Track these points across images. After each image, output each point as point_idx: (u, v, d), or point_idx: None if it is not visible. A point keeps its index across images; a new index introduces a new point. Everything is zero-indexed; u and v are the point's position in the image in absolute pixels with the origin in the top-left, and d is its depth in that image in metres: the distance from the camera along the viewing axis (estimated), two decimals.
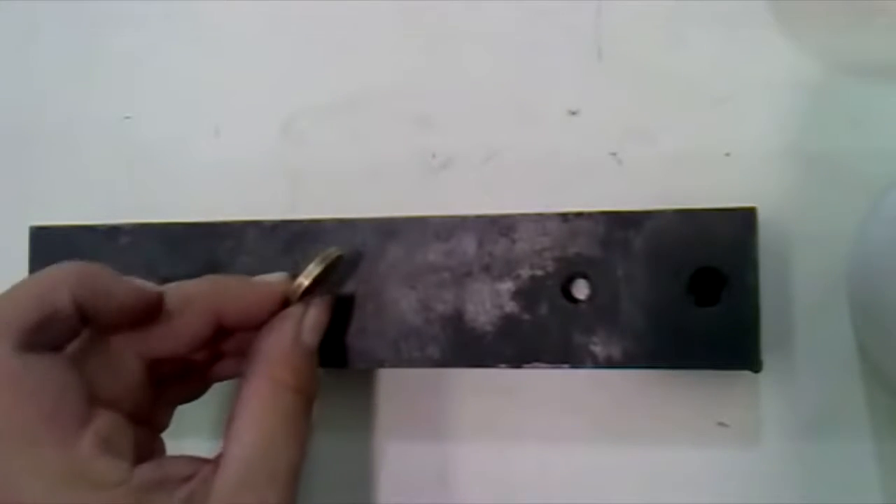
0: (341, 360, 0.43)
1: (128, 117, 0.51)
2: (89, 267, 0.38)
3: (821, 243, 0.42)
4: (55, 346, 0.37)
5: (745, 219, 0.39)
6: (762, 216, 0.39)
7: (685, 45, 0.44)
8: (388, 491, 0.45)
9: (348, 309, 0.43)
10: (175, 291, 0.40)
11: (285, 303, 0.41)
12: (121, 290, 0.38)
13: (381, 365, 0.43)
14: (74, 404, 0.36)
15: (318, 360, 0.41)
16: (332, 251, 0.42)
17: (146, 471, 0.36)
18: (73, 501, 0.34)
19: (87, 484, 0.35)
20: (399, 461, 0.45)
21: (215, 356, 0.42)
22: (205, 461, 0.38)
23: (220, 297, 0.40)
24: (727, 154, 0.43)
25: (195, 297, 0.40)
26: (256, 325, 0.41)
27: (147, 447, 0.39)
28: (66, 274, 0.37)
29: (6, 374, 0.35)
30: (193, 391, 0.43)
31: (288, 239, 0.44)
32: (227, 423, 0.39)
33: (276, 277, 0.42)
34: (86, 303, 0.37)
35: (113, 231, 0.46)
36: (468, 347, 0.42)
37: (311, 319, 0.41)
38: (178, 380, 0.42)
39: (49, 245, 0.47)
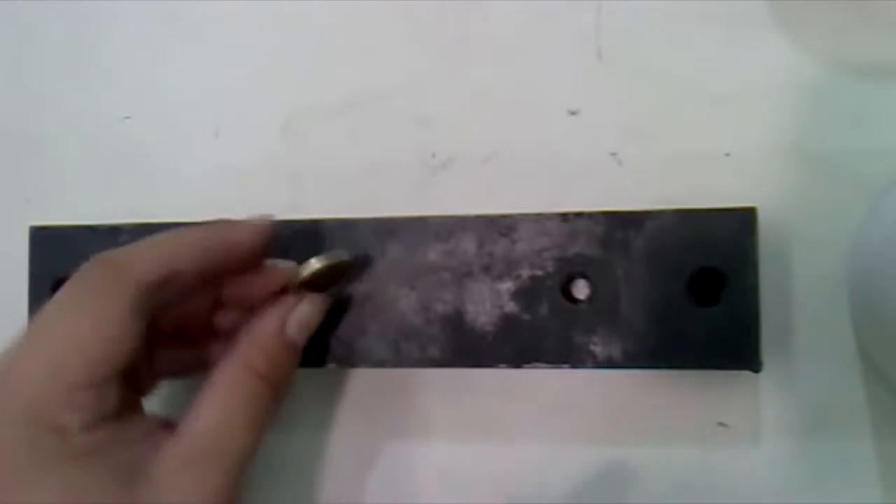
0: (341, 360, 0.43)
1: (128, 117, 0.51)
2: (214, 230, 0.41)
3: (821, 243, 0.42)
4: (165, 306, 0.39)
5: (744, 219, 0.39)
6: (762, 216, 0.39)
7: (685, 45, 0.44)
8: (386, 490, 0.46)
9: (348, 309, 0.43)
10: None
11: (284, 290, 0.42)
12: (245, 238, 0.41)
13: (382, 365, 0.43)
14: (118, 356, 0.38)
15: (299, 357, 0.42)
16: (342, 254, 0.42)
17: (109, 427, 0.37)
18: (37, 436, 0.36)
19: (54, 427, 0.36)
20: (397, 461, 0.45)
21: (209, 333, 0.43)
22: (166, 425, 0.39)
23: (215, 248, 0.41)
24: (727, 154, 0.43)
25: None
26: (251, 304, 0.41)
27: (127, 405, 0.39)
28: (193, 240, 0.40)
29: (112, 324, 0.37)
30: (184, 365, 0.43)
31: (288, 239, 0.44)
32: (196, 394, 0.39)
33: (283, 263, 0.43)
34: (207, 269, 0.40)
35: (113, 231, 0.46)
36: (468, 347, 0.42)
37: (299, 314, 0.41)
38: (172, 347, 0.42)
39: (49, 245, 0.47)
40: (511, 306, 0.42)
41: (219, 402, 0.39)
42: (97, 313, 0.37)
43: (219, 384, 0.40)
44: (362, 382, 0.46)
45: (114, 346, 0.37)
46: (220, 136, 0.50)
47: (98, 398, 0.37)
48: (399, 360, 0.43)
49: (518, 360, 0.41)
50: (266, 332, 0.41)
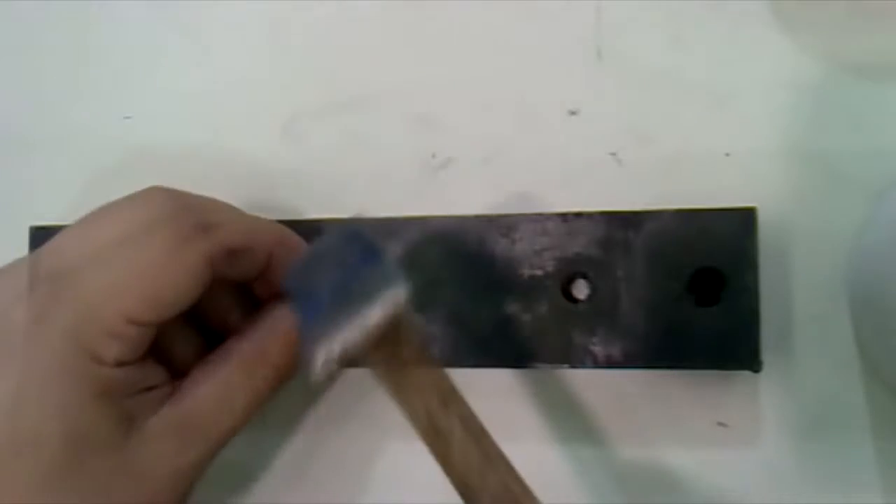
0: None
1: (128, 117, 0.51)
2: (287, 231, 0.42)
3: (821, 243, 0.41)
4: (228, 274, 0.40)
5: (744, 219, 0.39)
6: (762, 216, 0.39)
7: (685, 45, 0.44)
8: (386, 490, 0.46)
9: None
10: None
11: None
12: None
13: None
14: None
15: None
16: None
17: (131, 370, 0.38)
18: (74, 357, 0.36)
19: (92, 355, 0.37)
20: (398, 461, 0.45)
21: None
22: (173, 382, 0.40)
23: (285, 244, 0.42)
24: (727, 154, 0.43)
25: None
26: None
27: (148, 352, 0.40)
28: (271, 226, 0.42)
29: (184, 271, 0.38)
30: None
31: None
32: (206, 357, 0.40)
33: None
34: (274, 259, 0.41)
35: None
36: (468, 347, 0.42)
37: None
38: None
39: None
40: (511, 306, 0.42)
41: (223, 378, 0.40)
42: (173, 255, 0.37)
43: (228, 360, 0.40)
44: (362, 383, 0.46)
45: (176, 292, 0.38)
46: (219, 136, 0.50)
47: (139, 337, 0.38)
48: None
49: (518, 360, 0.41)
50: (288, 321, 0.41)
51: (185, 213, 0.39)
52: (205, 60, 0.51)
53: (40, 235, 0.47)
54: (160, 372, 0.40)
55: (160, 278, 0.37)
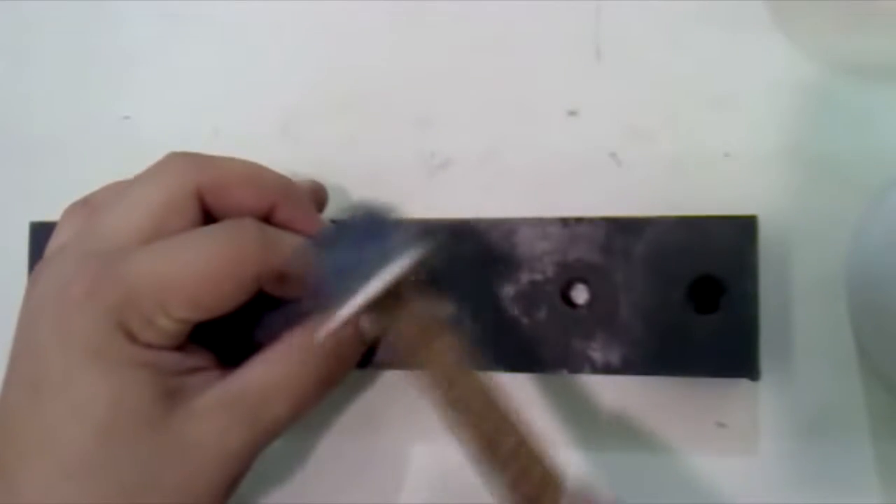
0: None
1: (128, 117, 0.51)
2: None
3: (821, 244, 0.42)
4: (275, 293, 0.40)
5: (745, 227, 0.39)
6: (762, 217, 0.39)
7: (685, 45, 0.44)
8: (386, 491, 0.46)
9: None
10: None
11: None
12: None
13: (382, 367, 0.43)
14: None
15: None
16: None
17: (171, 353, 0.39)
18: (109, 330, 0.37)
19: (126, 330, 0.37)
20: (399, 462, 0.46)
21: None
22: (223, 368, 0.40)
23: None
24: (727, 154, 0.43)
25: None
26: None
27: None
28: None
29: (235, 282, 0.38)
30: None
31: None
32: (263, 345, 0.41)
33: None
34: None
35: None
36: (466, 351, 0.42)
37: None
38: None
39: (48, 240, 0.47)
40: (510, 310, 0.42)
41: (275, 365, 0.40)
42: (226, 268, 0.38)
43: (284, 348, 0.40)
44: (362, 383, 0.46)
45: (219, 301, 0.38)
46: (219, 136, 0.50)
47: (174, 329, 0.38)
48: (399, 362, 0.43)
49: (516, 364, 0.41)
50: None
51: (252, 226, 0.39)
52: (205, 60, 0.51)
53: (40, 231, 0.47)
54: (206, 356, 0.40)
55: (206, 285, 0.38)
